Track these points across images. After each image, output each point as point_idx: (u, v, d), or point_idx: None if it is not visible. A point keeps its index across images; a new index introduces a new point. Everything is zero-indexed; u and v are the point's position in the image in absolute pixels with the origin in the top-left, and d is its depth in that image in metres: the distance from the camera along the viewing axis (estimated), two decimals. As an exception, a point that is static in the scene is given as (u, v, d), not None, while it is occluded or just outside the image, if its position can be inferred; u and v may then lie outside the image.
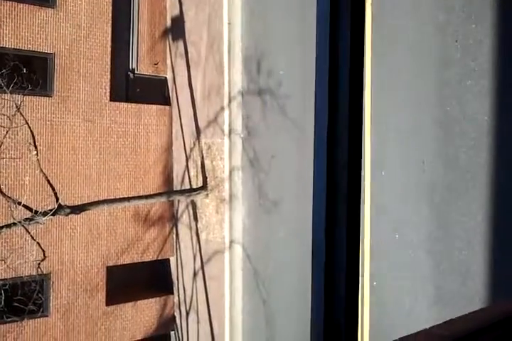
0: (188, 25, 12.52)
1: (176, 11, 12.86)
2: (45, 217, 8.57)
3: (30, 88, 9.94)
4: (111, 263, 12.17)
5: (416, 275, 8.65)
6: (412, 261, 8.69)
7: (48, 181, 9.72)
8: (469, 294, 8.08)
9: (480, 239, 8.00)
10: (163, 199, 11.80)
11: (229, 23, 11.50)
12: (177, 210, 13.07)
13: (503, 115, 7.84)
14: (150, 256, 12.75)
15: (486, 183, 7.96)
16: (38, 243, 8.68)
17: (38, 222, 8.61)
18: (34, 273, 9.08)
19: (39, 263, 8.61)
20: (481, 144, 7.95)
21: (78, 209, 10.17)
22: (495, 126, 7.87)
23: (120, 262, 12.30)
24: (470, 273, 8.06)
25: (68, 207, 9.86)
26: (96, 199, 11.38)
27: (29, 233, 8.69)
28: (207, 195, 12.02)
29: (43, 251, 8.72)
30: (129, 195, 12.07)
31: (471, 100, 8.01)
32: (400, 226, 8.79)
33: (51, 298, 11.27)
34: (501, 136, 7.86)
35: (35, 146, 9.70)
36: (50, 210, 9.16)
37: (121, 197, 11.79)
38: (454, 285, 8.25)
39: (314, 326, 1.23)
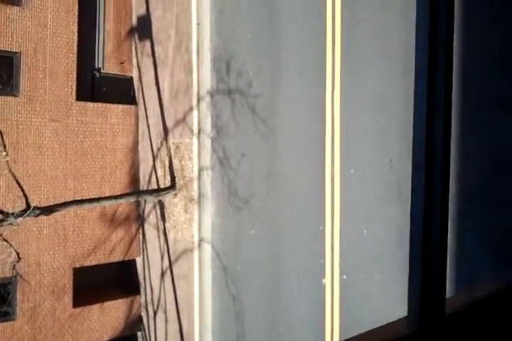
0: (155, 25, 12.56)
1: (142, 11, 12.87)
2: (19, 219, 8.45)
3: (-4, 87, 9.78)
4: (77, 265, 12.05)
5: (384, 268, 9.01)
6: (380, 255, 9.05)
7: (18, 182, 9.58)
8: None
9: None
10: (133, 199, 11.78)
11: (198, 24, 11.62)
12: (143, 210, 13.06)
13: (466, 115, 8.31)
14: (117, 257, 12.69)
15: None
16: (10, 244, 8.53)
17: (11, 224, 8.48)
18: (7, 276, 8.91)
19: (14, 265, 8.47)
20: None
21: (48, 210, 10.05)
22: (458, 125, 8.32)
23: (87, 263, 12.19)
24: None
25: (38, 208, 9.75)
26: (62, 200, 11.27)
27: (0, 235, 8.54)
28: (175, 194, 12.08)
29: (17, 252, 8.59)
30: (96, 196, 12.00)
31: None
32: (368, 222, 9.14)
33: (18, 301, 11.07)
34: (461, 136, 8.32)
35: (4, 146, 9.55)
36: (21, 211, 9.04)
37: (88, 197, 11.71)
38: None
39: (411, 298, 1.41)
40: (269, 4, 10.51)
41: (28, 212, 9.04)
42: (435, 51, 2.19)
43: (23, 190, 9.62)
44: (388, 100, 8.95)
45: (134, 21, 13.02)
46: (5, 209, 9.06)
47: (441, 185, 2.05)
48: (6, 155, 9.55)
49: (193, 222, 11.76)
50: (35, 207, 9.68)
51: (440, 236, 2.01)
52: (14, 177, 9.66)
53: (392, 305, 8.96)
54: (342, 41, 9.41)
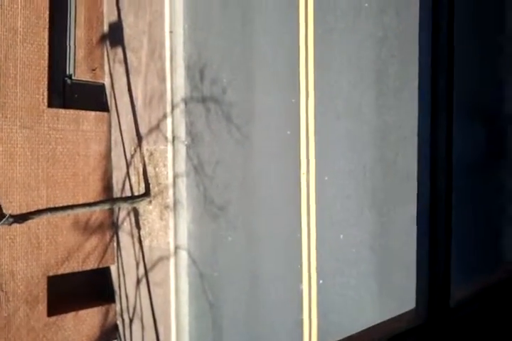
0: (127, 32, 12.54)
1: (114, 18, 12.83)
2: (-6, 228, 8.36)
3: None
4: (51, 273, 11.93)
5: (360, 273, 9.24)
6: (356, 260, 9.27)
7: (-10, 190, 9.46)
8: (410, 287, 8.77)
9: (414, 238, 8.72)
10: (107, 206, 11.73)
11: (171, 32, 11.66)
12: (117, 218, 13.01)
13: (433, 123, 8.61)
14: (91, 265, 12.61)
15: (415, 186, 8.68)
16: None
17: (-15, 233, 8.37)
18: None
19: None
20: (415, 149, 8.67)
21: (22, 218, 9.94)
22: (430, 133, 8.62)
23: (61, 271, 12.08)
24: (410, 268, 8.76)
25: (12, 216, 9.63)
26: (35, 208, 11.16)
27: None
28: (150, 201, 12.08)
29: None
30: (69, 203, 11.90)
31: (406, 110, 8.72)
32: (344, 228, 9.36)
33: (-10, 311, 10.90)
34: (435, 142, 8.62)
35: (-24, 155, 9.41)
36: (-5, 220, 8.93)
37: (61, 205, 11.61)
38: (396, 281, 8.91)
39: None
40: (242, 13, 10.64)
41: (4, 219, 8.94)
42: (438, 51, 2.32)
43: (-4, 198, 9.51)
44: (361, 108, 9.19)
45: (106, 28, 12.97)
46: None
47: (446, 181, 2.21)
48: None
49: (168, 229, 11.79)
50: (9, 215, 9.57)
51: (445, 232, 2.17)
52: (-13, 186, 9.54)
53: (368, 309, 9.21)
54: (315, 49, 9.61)
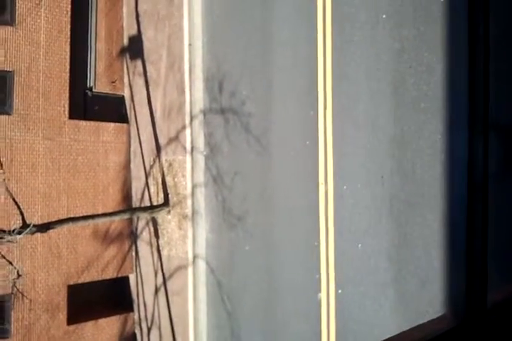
0: (146, 45, 12.80)
1: (134, 31, 13.11)
2: (19, 236, 8.56)
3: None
4: (71, 282, 12.10)
5: (378, 282, 9.29)
6: (374, 269, 9.33)
7: (14, 200, 9.67)
8: (428, 297, 8.80)
9: (435, 246, 8.76)
10: (127, 216, 11.91)
11: (190, 45, 11.89)
12: (136, 227, 13.18)
13: (453, 134, 8.70)
14: (110, 274, 12.76)
15: (440, 196, 8.75)
16: (10, 262, 8.62)
17: (10, 241, 8.57)
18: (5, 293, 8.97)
19: (14, 282, 8.56)
20: (434, 160, 8.75)
21: (44, 227, 10.14)
22: (446, 143, 8.70)
23: (81, 280, 12.25)
24: (428, 278, 8.79)
25: (34, 225, 9.83)
26: (56, 218, 11.36)
27: None
28: (169, 211, 12.24)
29: (17, 270, 8.67)
30: (89, 213, 12.09)
31: (424, 121, 8.82)
32: (362, 237, 9.43)
33: (12, 319, 11.06)
34: (452, 152, 8.70)
35: (1, 165, 9.65)
36: (20, 229, 9.13)
37: (81, 214, 11.81)
38: (414, 290, 8.95)
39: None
40: (260, 26, 10.84)
41: (28, 229, 9.13)
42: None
43: (19, 207, 9.71)
44: (378, 119, 9.30)
45: (126, 41, 13.25)
46: (3, 227, 9.13)
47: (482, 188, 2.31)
48: (3, 172, 9.65)
49: (187, 239, 11.92)
50: (32, 225, 9.78)
51: (481, 234, 2.27)
52: (11, 195, 9.76)
53: (386, 318, 9.24)
54: (333, 61, 9.77)
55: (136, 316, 13.08)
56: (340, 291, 9.69)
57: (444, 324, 2.31)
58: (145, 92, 12.79)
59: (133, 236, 13.06)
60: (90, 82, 12.97)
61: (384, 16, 9.10)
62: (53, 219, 11.07)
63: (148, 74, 12.77)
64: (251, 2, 11.02)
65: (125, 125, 13.20)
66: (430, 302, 8.73)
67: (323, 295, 9.88)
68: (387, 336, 9.28)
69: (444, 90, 8.68)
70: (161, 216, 12.26)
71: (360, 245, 9.48)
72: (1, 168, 9.52)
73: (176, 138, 12.18)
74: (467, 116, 7.89)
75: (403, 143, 9.03)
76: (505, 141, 8.91)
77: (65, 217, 11.60)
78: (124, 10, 13.14)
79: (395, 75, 9.11)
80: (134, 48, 13.02)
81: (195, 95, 11.87)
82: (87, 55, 12.96)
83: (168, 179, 12.32)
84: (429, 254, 8.80)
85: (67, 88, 12.31)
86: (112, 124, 12.99)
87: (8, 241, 8.68)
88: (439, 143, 8.72)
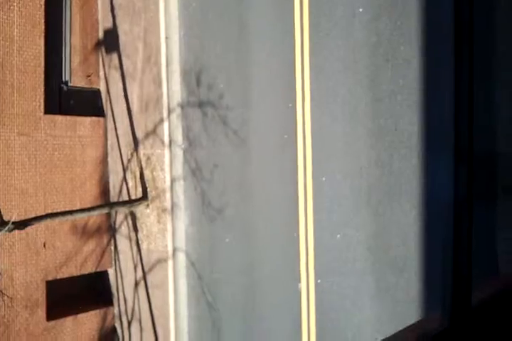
0: (122, 39, 12.70)
1: (109, 24, 12.98)
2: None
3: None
4: (50, 278, 12.01)
5: (357, 271, 9.50)
6: (353, 259, 9.54)
7: (-9, 196, 9.56)
8: (406, 286, 9.05)
9: (413, 236, 9.00)
10: (105, 211, 11.87)
11: (166, 38, 11.86)
12: (115, 221, 13.13)
13: (429, 125, 8.92)
14: (89, 269, 12.71)
15: (417, 186, 8.98)
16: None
17: (-11, 239, 8.48)
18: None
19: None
20: (411, 152, 8.97)
21: (22, 224, 10.04)
22: (423, 135, 8.92)
23: (59, 276, 12.17)
24: (406, 267, 9.04)
25: (13, 223, 9.73)
26: (34, 214, 11.25)
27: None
28: (147, 205, 12.24)
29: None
30: (67, 208, 12.00)
31: (401, 113, 9.01)
32: (341, 228, 9.62)
33: (-10, 316, 10.97)
34: (428, 143, 8.93)
35: (-23, 161, 9.51)
36: (-2, 226, 9.04)
37: (59, 210, 11.71)
38: (392, 278, 9.19)
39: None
40: (238, 20, 10.88)
41: (6, 227, 9.05)
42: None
43: (-4, 204, 9.60)
44: (356, 111, 9.47)
45: (101, 35, 13.12)
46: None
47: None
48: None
49: (166, 232, 11.95)
50: (9, 222, 9.67)
51: (467, 232, 2.39)
52: (-12, 192, 9.64)
53: (365, 306, 9.46)
54: (310, 54, 9.88)
55: (116, 310, 13.07)
56: (319, 281, 9.88)
57: (431, 326, 2.44)
58: (121, 86, 12.70)
59: (111, 231, 13.01)
60: (66, 76, 12.82)
61: (360, 10, 9.23)
62: (31, 216, 10.97)
63: (124, 67, 12.68)
64: (227, -5, 11.04)
65: (102, 119, 13.10)
66: (407, 290, 8.98)
67: (303, 285, 10.06)
68: (367, 325, 9.59)
69: (420, 83, 8.88)
70: (140, 210, 12.25)
71: (339, 235, 9.67)
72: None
73: (153, 132, 12.15)
74: (444, 110, 8.10)
75: (381, 135, 9.22)
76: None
77: (42, 213, 11.49)
78: (99, 3, 12.99)
79: (372, 68, 9.27)
80: (110, 42, 12.90)
81: (173, 88, 11.86)
82: (62, 49, 12.79)
83: (146, 173, 12.30)
84: (406, 244, 9.04)
85: (42, 83, 12.13)
86: (89, 118, 12.88)
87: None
88: (415, 135, 8.93)
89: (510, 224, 7.13)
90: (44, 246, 11.89)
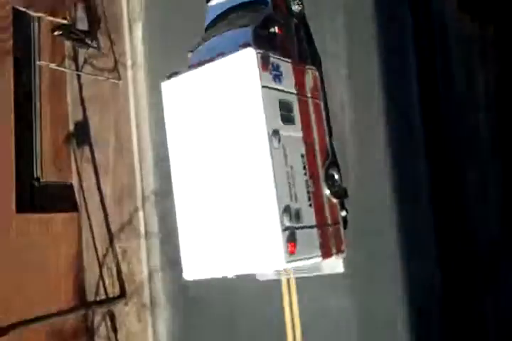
0: (93, 131, 12.57)
1: (79, 117, 12.91)
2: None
3: None
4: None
5: None
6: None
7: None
8: None
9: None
10: (82, 312, 11.08)
11: (137, 126, 11.72)
12: (92, 322, 12.22)
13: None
14: (67, 376, 11.63)
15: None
16: None
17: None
18: None
19: None
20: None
21: (-4, 334, 9.24)
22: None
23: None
24: None
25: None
26: (7, 321, 10.40)
27: None
28: (126, 302, 11.46)
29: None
30: (41, 312, 11.15)
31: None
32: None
33: None
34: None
35: None
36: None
37: (34, 314, 10.86)
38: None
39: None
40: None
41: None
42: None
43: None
44: None
45: (71, 128, 13.01)
46: None
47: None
48: None
49: (147, 331, 11.08)
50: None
51: None
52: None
53: None
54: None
55: None
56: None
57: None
58: (94, 179, 12.38)
59: (89, 333, 12.07)
60: (37, 172, 12.53)
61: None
62: (4, 324, 10.11)
63: (96, 159, 12.43)
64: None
65: (75, 214, 12.63)
66: None
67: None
68: None
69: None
70: (118, 308, 11.43)
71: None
72: None
73: (129, 223, 11.66)
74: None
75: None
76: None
77: (17, 319, 10.61)
78: (68, 95, 13.01)
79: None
80: (81, 134, 12.77)
81: (146, 178, 11.56)
82: (33, 145, 12.60)
83: (123, 267, 11.64)
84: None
85: (13, 180, 11.77)
86: (62, 215, 12.41)
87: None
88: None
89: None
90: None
